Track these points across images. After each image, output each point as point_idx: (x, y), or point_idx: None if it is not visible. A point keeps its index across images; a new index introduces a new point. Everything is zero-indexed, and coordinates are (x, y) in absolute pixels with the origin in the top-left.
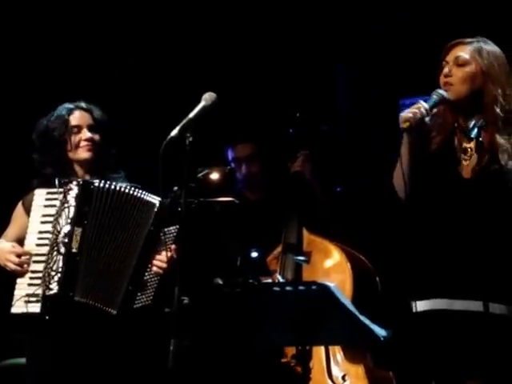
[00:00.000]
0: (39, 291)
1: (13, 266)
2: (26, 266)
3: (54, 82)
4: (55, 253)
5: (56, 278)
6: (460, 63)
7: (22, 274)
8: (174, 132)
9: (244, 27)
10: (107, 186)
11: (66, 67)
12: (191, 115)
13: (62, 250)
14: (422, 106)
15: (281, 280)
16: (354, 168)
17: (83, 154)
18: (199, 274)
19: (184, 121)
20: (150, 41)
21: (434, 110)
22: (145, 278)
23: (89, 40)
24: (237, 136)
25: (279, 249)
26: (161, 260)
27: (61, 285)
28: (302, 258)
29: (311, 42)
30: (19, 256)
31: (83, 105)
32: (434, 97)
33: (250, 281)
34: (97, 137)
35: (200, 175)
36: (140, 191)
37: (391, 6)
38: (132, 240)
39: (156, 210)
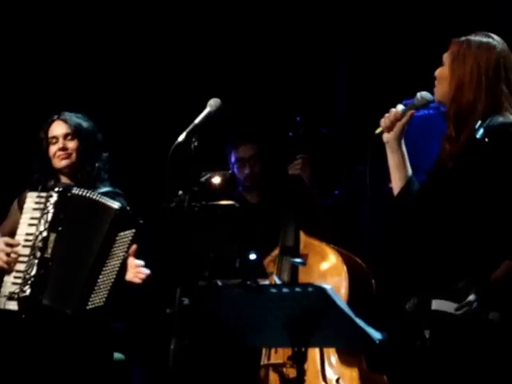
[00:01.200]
0: (17, 291)
1: (2, 264)
2: (12, 265)
3: (58, 89)
4: (32, 257)
5: (29, 282)
6: (443, 64)
7: (8, 272)
8: (181, 137)
9: (246, 32)
10: (82, 193)
11: (71, 73)
12: (197, 121)
13: (38, 254)
14: (396, 110)
15: (278, 282)
16: (352, 171)
17: (59, 163)
18: (199, 276)
19: (190, 126)
20: (155, 47)
21: (411, 112)
22: (98, 280)
23: (91, 45)
24: (239, 137)
25: (276, 251)
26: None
27: (32, 288)
28: (298, 260)
29: (312, 45)
30: (8, 254)
31: (61, 115)
32: (414, 100)
33: (248, 282)
34: (72, 144)
35: (203, 179)
36: (100, 196)
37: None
38: (88, 243)
39: (113, 214)
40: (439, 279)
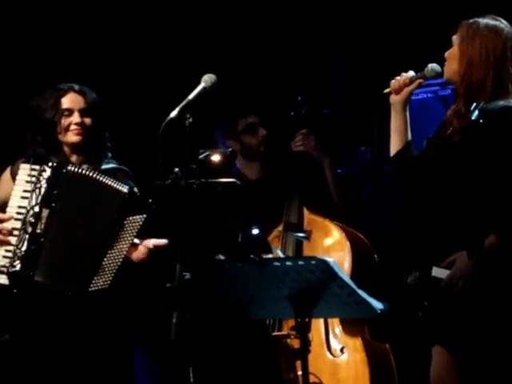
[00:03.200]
0: (7, 264)
1: None
2: (2, 237)
3: (50, 65)
4: (23, 232)
5: (20, 257)
6: (452, 44)
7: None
8: (174, 113)
9: (245, 9)
10: (79, 170)
11: (61, 50)
12: (190, 97)
13: (29, 229)
14: (406, 75)
15: (281, 256)
16: (353, 152)
17: (72, 137)
18: (201, 250)
19: (183, 102)
20: (150, 22)
21: (419, 80)
22: (104, 263)
23: (87, 25)
24: (238, 109)
25: (280, 227)
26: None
27: (22, 263)
28: (302, 234)
29: (313, 25)
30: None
31: (76, 87)
32: (425, 70)
33: (251, 256)
34: (88, 120)
35: (201, 157)
36: (110, 179)
37: None
38: (94, 225)
39: (123, 198)
40: (438, 247)
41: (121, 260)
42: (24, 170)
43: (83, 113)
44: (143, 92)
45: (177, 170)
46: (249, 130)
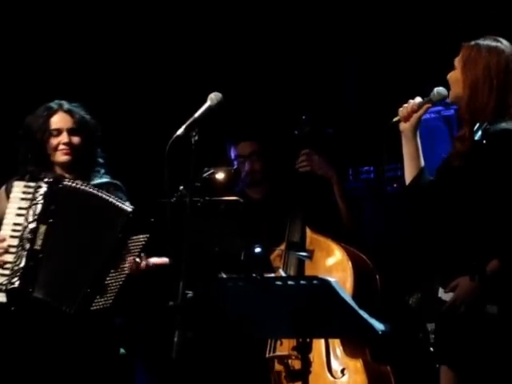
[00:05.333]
0: (5, 283)
1: None
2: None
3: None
4: (20, 248)
5: (18, 273)
6: (454, 67)
7: None
8: (180, 131)
9: (250, 27)
10: (76, 186)
11: (70, 65)
12: (197, 115)
13: (27, 245)
14: (413, 102)
15: (283, 275)
16: (357, 172)
17: (61, 157)
18: (203, 269)
19: (189, 120)
20: (157, 39)
21: (427, 105)
22: (106, 282)
23: (90, 37)
24: (239, 134)
25: (282, 246)
26: (133, 265)
27: (21, 280)
28: (304, 253)
29: (319, 41)
30: None
31: (65, 106)
32: (431, 95)
33: (253, 275)
34: (76, 140)
35: (206, 175)
36: (112, 197)
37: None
38: (97, 244)
39: (127, 217)
40: (441, 269)
41: (123, 279)
42: (18, 187)
43: (71, 132)
44: (149, 110)
45: (181, 187)
46: (237, 162)
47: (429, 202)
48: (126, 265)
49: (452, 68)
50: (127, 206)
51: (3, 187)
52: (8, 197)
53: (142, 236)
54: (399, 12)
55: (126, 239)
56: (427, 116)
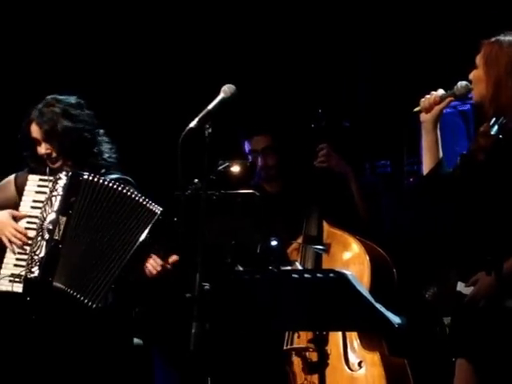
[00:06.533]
0: (23, 273)
1: (7, 241)
2: (18, 242)
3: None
4: (40, 238)
5: (38, 263)
6: (476, 66)
7: (10, 251)
8: (193, 123)
9: (264, 20)
10: (96, 179)
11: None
12: (210, 107)
13: (46, 236)
14: (436, 94)
15: (300, 268)
16: (373, 164)
17: (51, 165)
18: (220, 261)
19: (203, 112)
20: (171, 33)
21: (449, 99)
22: (130, 279)
23: (106, 32)
24: (253, 128)
25: (299, 240)
26: (153, 266)
27: (41, 269)
28: (321, 247)
29: (332, 34)
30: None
31: (35, 115)
32: (454, 88)
33: (270, 268)
34: (50, 148)
35: (221, 168)
36: (139, 195)
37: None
38: (124, 241)
39: (156, 219)
40: (460, 263)
41: (144, 277)
42: (33, 180)
43: (45, 142)
44: (163, 103)
45: (196, 180)
46: (251, 156)
47: (448, 195)
48: (150, 266)
49: (473, 65)
50: (156, 207)
51: (11, 177)
52: (17, 189)
53: (167, 237)
54: (411, 5)
55: (153, 240)
56: (443, 110)
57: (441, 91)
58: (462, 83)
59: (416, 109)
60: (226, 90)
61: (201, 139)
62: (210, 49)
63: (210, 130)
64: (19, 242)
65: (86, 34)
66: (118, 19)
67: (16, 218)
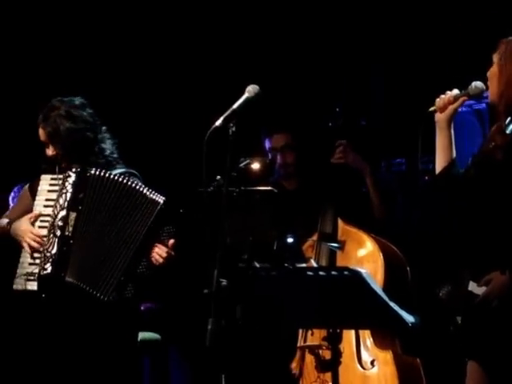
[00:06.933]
0: (36, 270)
1: (27, 246)
2: (37, 245)
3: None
4: (52, 235)
5: (50, 259)
6: (493, 63)
7: (30, 252)
8: (218, 122)
9: (285, 22)
10: (103, 174)
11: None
12: (235, 106)
13: (58, 232)
14: (450, 94)
15: (315, 266)
16: (389, 162)
17: (59, 165)
18: (238, 258)
19: (228, 112)
20: (196, 33)
21: (463, 98)
22: (139, 270)
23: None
24: (273, 126)
25: (314, 237)
26: (159, 254)
27: (54, 265)
28: (335, 244)
29: (350, 35)
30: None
31: (40, 119)
32: (468, 88)
33: (286, 265)
34: (54, 151)
35: (241, 165)
36: (143, 186)
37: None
38: (130, 233)
39: (159, 208)
40: (474, 263)
41: (153, 268)
42: (45, 180)
43: (51, 144)
44: (189, 103)
45: (219, 177)
46: (270, 154)
47: (460, 195)
48: (156, 255)
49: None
50: (159, 197)
51: (26, 187)
52: (31, 192)
53: (171, 227)
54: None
55: (158, 229)
56: (459, 109)
57: (455, 91)
58: (476, 83)
59: (431, 108)
60: (251, 90)
61: (225, 137)
62: (232, 48)
63: (233, 129)
64: (37, 245)
65: (103, 28)
66: (136, 16)
67: (33, 220)
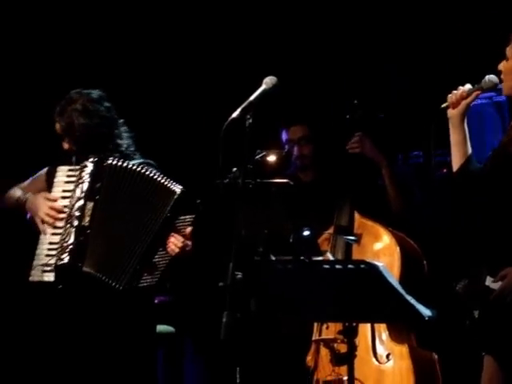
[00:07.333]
0: (53, 261)
1: (40, 221)
2: (51, 220)
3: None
4: (69, 225)
5: (68, 250)
6: (507, 57)
7: (44, 232)
8: (235, 114)
9: (302, 11)
10: (121, 164)
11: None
12: (252, 98)
13: (75, 223)
14: (463, 89)
15: (331, 259)
16: (406, 155)
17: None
18: (253, 251)
19: (245, 103)
20: (213, 25)
21: (476, 93)
22: (154, 259)
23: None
24: (291, 118)
25: (330, 230)
26: (175, 244)
27: (71, 255)
28: (351, 237)
29: (367, 26)
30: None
31: (57, 112)
32: (482, 82)
33: (302, 258)
34: (69, 145)
35: (258, 157)
36: (161, 176)
37: None
38: (146, 222)
39: (176, 197)
40: (490, 257)
41: (169, 258)
42: (62, 171)
43: (66, 138)
44: (206, 94)
45: (235, 169)
46: (288, 146)
47: (479, 190)
48: (172, 245)
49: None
50: (176, 186)
51: (44, 171)
52: (47, 180)
53: (188, 216)
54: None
55: (174, 218)
56: (478, 101)
57: (468, 86)
58: (489, 77)
59: (443, 105)
60: (268, 81)
61: (241, 129)
62: (250, 40)
63: (250, 121)
64: (52, 220)
65: (120, 19)
66: (153, 7)
67: (49, 200)
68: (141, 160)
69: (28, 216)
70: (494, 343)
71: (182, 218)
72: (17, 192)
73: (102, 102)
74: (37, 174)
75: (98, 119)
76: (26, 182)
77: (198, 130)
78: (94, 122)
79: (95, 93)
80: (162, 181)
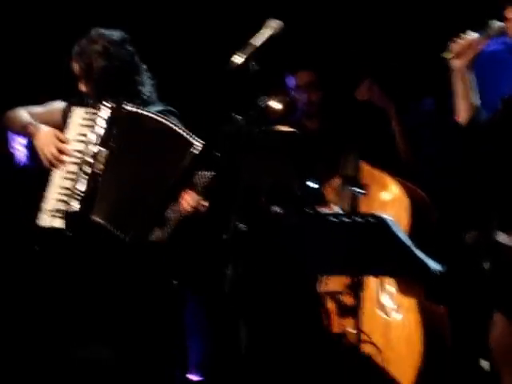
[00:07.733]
0: (63, 207)
1: (46, 161)
2: (56, 163)
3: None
4: (81, 172)
5: (78, 197)
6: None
7: (52, 167)
8: (239, 59)
9: None
10: (138, 111)
11: None
12: (258, 44)
13: (87, 169)
14: (469, 37)
15: (338, 210)
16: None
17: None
18: (257, 202)
19: (249, 49)
20: None
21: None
22: (167, 214)
23: None
24: (298, 63)
25: (337, 179)
26: (188, 201)
27: (81, 203)
28: (359, 190)
29: None
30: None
31: (76, 51)
32: (488, 29)
33: (307, 210)
34: (84, 88)
35: (261, 104)
36: (181, 127)
37: None
38: (162, 173)
39: (195, 151)
40: (501, 210)
41: (182, 214)
42: (77, 114)
43: (83, 79)
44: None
45: (238, 116)
46: (294, 92)
47: (489, 141)
48: (185, 202)
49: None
50: (196, 140)
51: (61, 106)
52: (63, 117)
53: (208, 173)
54: None
55: (192, 173)
56: (492, 48)
57: (473, 34)
58: (495, 23)
59: (447, 55)
60: (274, 25)
61: (245, 75)
62: None
63: (255, 67)
64: (55, 161)
65: None
66: None
67: (60, 140)
68: (162, 107)
69: (26, 142)
70: (505, 301)
71: (201, 173)
72: (25, 116)
73: (123, 45)
74: (51, 105)
75: (119, 62)
76: (39, 109)
77: (200, 76)
78: (113, 65)
79: (117, 34)
80: (182, 133)
